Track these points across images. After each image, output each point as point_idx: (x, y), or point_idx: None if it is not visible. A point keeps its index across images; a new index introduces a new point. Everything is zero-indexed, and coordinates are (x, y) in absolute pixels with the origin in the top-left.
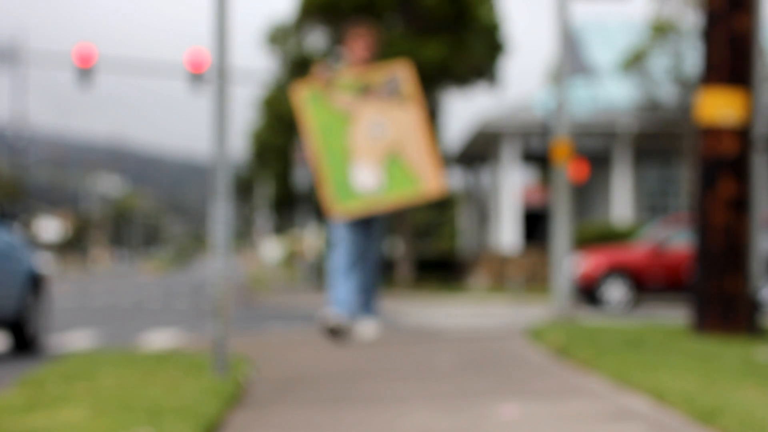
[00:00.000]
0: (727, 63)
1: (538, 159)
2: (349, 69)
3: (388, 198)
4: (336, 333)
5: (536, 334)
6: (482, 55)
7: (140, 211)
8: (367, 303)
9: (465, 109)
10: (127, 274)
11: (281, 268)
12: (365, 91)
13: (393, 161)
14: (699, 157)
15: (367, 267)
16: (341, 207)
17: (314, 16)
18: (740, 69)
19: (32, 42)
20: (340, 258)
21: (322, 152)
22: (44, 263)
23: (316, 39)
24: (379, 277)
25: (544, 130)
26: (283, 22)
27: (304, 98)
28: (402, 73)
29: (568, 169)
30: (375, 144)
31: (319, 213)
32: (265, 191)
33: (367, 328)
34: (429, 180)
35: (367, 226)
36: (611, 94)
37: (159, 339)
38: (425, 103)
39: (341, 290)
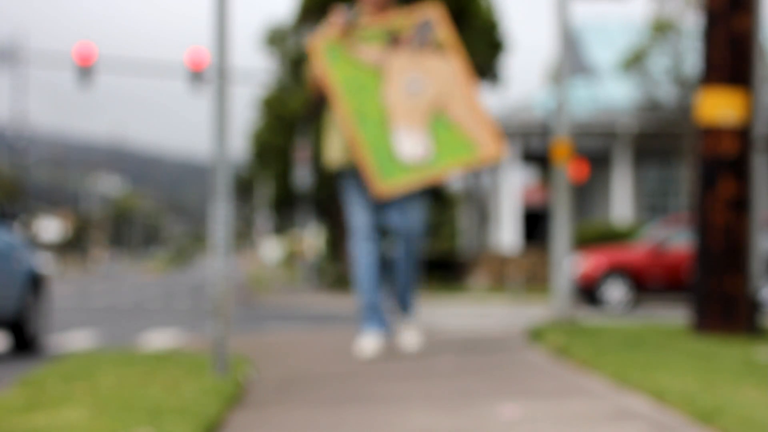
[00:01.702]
0: (727, 63)
1: (538, 159)
2: (369, 18)
3: (440, 167)
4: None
5: (536, 334)
6: (482, 53)
7: (140, 211)
8: (404, 305)
9: None
10: (121, 275)
11: (281, 268)
12: (393, 39)
13: (438, 122)
14: (699, 157)
15: (405, 261)
16: (388, 183)
17: (314, 15)
18: (740, 69)
19: (32, 42)
20: (368, 257)
21: (353, 117)
22: (44, 263)
23: None
24: (418, 272)
25: (544, 130)
26: (281, 23)
27: (323, 52)
28: (434, 16)
29: (568, 169)
30: (415, 103)
31: (319, 212)
32: (265, 191)
33: (409, 338)
34: (486, 142)
35: (401, 210)
36: (611, 94)
37: (159, 339)
38: (463, 52)
39: (373, 300)
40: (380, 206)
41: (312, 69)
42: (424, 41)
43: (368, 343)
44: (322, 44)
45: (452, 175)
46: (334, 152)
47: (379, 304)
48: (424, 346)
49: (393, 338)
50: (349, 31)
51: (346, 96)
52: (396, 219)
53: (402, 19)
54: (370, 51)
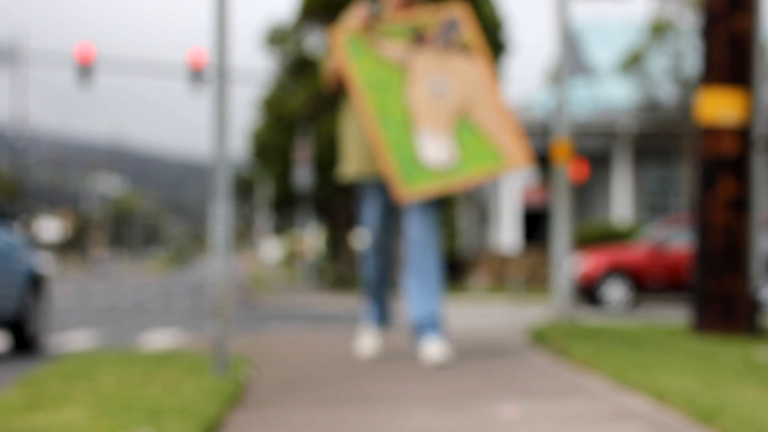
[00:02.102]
0: (727, 63)
1: (538, 159)
2: (393, 12)
3: (464, 175)
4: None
5: (536, 334)
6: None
7: (140, 211)
8: (432, 317)
9: None
10: (119, 275)
11: (281, 268)
12: (418, 37)
13: (463, 126)
14: (699, 157)
15: (432, 271)
16: (412, 189)
17: (315, 15)
18: (740, 69)
19: (32, 42)
20: (378, 272)
21: (375, 114)
22: (44, 263)
23: (315, 39)
24: (443, 280)
25: (544, 130)
26: (282, 23)
27: (345, 44)
28: (460, 16)
29: (568, 169)
30: (439, 105)
31: (319, 212)
32: (265, 191)
33: (434, 349)
34: (512, 150)
35: (422, 214)
36: (611, 94)
37: (159, 339)
38: (490, 55)
39: (378, 300)
40: (396, 216)
41: (331, 61)
42: (449, 41)
43: (366, 341)
44: (345, 36)
45: (475, 184)
46: (351, 163)
47: (384, 303)
48: (452, 357)
49: (387, 333)
50: (372, 24)
51: (369, 92)
52: (415, 228)
53: (427, 17)
54: (393, 47)
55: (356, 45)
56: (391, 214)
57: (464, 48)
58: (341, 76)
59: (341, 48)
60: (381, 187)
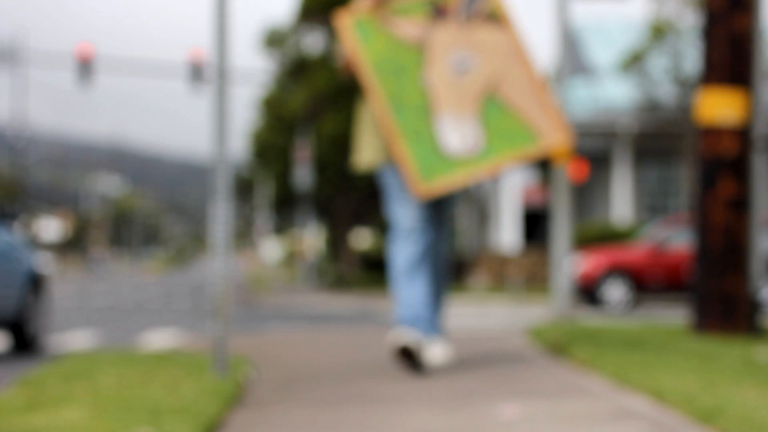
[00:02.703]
0: (727, 63)
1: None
2: None
3: (492, 160)
4: (408, 354)
5: (536, 334)
6: None
7: (140, 211)
8: (432, 317)
9: None
10: (116, 275)
11: (281, 268)
12: (437, 10)
13: (491, 105)
14: (699, 157)
15: (435, 268)
16: (432, 183)
17: (314, 16)
18: (740, 69)
19: (32, 42)
20: (406, 257)
21: (388, 104)
22: (44, 263)
23: (314, 40)
24: (448, 281)
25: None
26: (280, 24)
27: (352, 28)
28: None
29: (568, 169)
30: (463, 85)
31: (319, 212)
32: (265, 191)
33: (435, 351)
34: (548, 130)
35: (438, 209)
36: (611, 94)
37: (159, 339)
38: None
39: (410, 300)
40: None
41: (342, 48)
42: (472, 12)
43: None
44: (352, 20)
45: (506, 169)
46: (367, 152)
47: (419, 299)
48: (454, 360)
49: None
50: (384, 2)
51: (380, 79)
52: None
53: None
54: (409, 25)
55: (365, 27)
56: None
57: (490, 17)
58: (351, 62)
59: (348, 32)
60: None
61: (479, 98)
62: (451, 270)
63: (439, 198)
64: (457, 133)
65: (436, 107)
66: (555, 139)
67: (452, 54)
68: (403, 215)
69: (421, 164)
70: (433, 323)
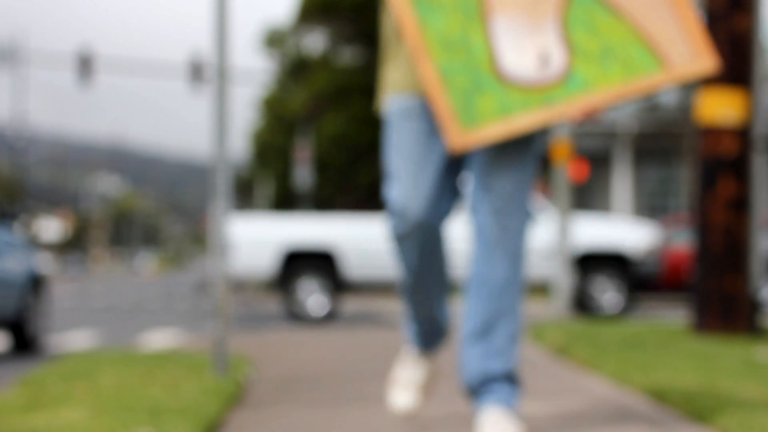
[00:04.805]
0: (727, 63)
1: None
2: None
3: (581, 95)
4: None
5: (536, 334)
6: None
7: (140, 211)
8: (495, 371)
9: None
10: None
11: None
12: None
13: (585, 7)
14: (699, 157)
15: (495, 275)
16: (480, 126)
17: (314, 16)
18: (740, 69)
19: (32, 42)
20: (428, 255)
21: (413, 14)
22: (44, 263)
23: (314, 40)
24: (519, 314)
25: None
26: (280, 25)
27: None
28: None
29: (568, 169)
30: None
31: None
32: (265, 191)
33: (497, 430)
34: (684, 51)
35: (503, 178)
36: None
37: (159, 339)
38: None
39: (431, 316)
40: (457, 167)
41: None
42: None
43: (403, 375)
44: None
45: (602, 110)
46: (393, 79)
47: (431, 312)
48: None
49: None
50: None
51: None
52: (487, 206)
53: None
54: None
55: None
56: (450, 166)
57: None
58: None
59: None
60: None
61: None
62: (522, 290)
63: (493, 158)
64: (523, 48)
65: (490, 5)
66: (695, 67)
67: None
68: (410, 184)
69: (456, 95)
70: (493, 383)
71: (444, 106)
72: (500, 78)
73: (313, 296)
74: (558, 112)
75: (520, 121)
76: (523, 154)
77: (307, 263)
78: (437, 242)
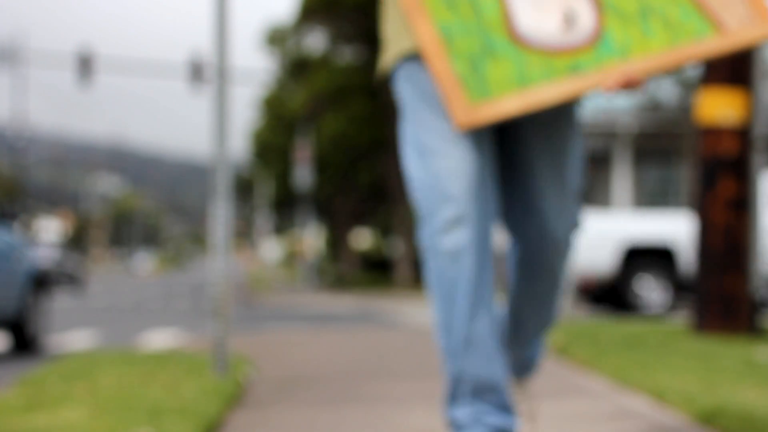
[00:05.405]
0: (727, 63)
1: None
2: None
3: (617, 62)
4: None
5: None
6: None
7: (140, 211)
8: (524, 368)
9: None
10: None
11: (281, 268)
12: None
13: None
14: (699, 157)
15: (534, 279)
16: (491, 98)
17: (315, 15)
18: (740, 69)
19: (32, 42)
20: (472, 269)
21: None
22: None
23: (315, 39)
24: (556, 308)
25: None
26: (281, 23)
27: None
28: None
29: None
30: None
31: (319, 212)
32: (265, 191)
33: None
34: (739, 16)
35: (549, 165)
36: (611, 95)
37: (159, 339)
38: None
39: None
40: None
41: None
42: None
43: None
44: None
45: (645, 81)
46: (396, 42)
47: (499, 378)
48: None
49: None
50: None
51: None
52: (533, 197)
53: None
54: None
55: None
56: (490, 141)
57: None
58: None
59: None
60: None
61: None
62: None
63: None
64: (542, 6)
65: None
66: (755, 32)
67: None
68: (446, 172)
69: (461, 61)
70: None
71: (446, 73)
72: (516, 41)
73: (654, 293)
74: (589, 82)
75: (543, 94)
76: (571, 140)
77: (646, 260)
78: (489, 252)
